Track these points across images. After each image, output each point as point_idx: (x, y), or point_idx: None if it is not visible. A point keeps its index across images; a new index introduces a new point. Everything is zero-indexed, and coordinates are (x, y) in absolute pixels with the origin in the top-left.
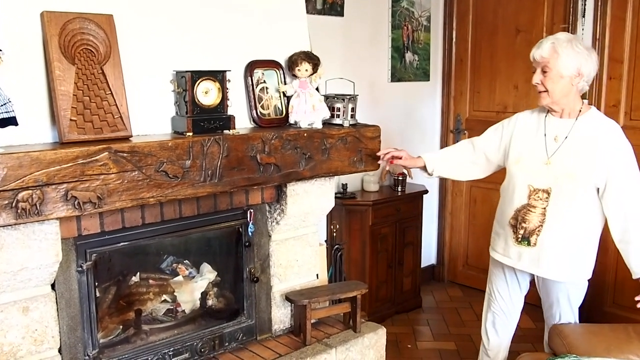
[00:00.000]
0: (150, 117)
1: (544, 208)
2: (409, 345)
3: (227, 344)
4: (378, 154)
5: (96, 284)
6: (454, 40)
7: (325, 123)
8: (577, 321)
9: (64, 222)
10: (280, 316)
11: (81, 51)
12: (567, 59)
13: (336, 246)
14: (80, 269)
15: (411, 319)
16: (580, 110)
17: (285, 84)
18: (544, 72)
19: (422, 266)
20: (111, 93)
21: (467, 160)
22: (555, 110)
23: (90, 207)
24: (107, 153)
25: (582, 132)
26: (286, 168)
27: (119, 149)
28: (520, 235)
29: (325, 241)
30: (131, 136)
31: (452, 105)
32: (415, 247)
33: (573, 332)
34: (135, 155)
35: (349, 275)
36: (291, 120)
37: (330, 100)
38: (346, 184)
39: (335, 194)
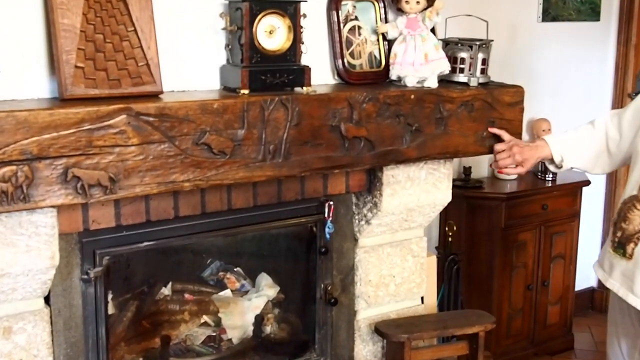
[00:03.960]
0: (190, 66)
1: None
2: None
3: None
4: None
5: (109, 297)
6: None
7: (443, 80)
8: None
9: (63, 212)
10: (367, 354)
11: None
12: None
13: (452, 257)
14: (86, 276)
15: None
16: None
17: (386, 22)
18: None
19: (576, 290)
20: (134, 30)
21: (598, 148)
22: None
23: (100, 192)
24: (125, 116)
25: None
26: (383, 145)
27: (143, 111)
28: (617, 239)
29: (437, 248)
30: (161, 92)
31: (632, 58)
32: (567, 261)
33: None
34: (165, 121)
35: (468, 299)
36: (393, 75)
37: (451, 47)
38: (470, 169)
39: (454, 181)
